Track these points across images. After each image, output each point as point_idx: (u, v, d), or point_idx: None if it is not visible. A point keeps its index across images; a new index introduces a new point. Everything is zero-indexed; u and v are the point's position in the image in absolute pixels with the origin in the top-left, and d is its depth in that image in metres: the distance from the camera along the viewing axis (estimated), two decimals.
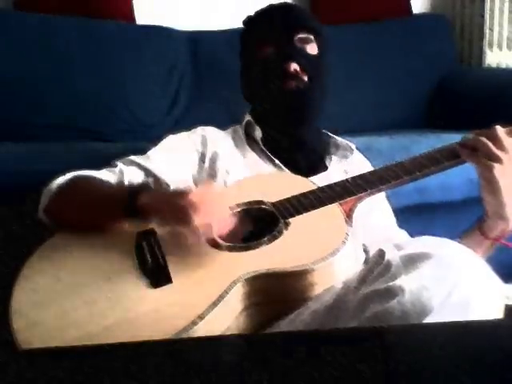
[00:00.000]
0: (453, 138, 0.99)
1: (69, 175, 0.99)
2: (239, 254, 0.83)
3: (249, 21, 1.19)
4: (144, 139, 1.37)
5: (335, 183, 0.95)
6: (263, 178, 1.06)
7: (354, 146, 1.19)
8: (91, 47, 1.88)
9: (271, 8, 1.16)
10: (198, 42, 2.08)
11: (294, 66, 1.08)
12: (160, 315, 0.75)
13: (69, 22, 1.89)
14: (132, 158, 1.06)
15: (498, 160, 0.90)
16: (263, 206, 0.93)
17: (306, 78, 1.10)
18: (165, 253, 0.84)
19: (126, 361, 0.55)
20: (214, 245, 0.85)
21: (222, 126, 1.21)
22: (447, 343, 0.56)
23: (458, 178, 1.48)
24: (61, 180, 0.98)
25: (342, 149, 1.19)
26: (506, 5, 2.38)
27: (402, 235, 1.13)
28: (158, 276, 0.80)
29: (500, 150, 0.90)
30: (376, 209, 1.11)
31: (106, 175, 1.01)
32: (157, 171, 1.04)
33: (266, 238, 0.85)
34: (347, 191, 0.93)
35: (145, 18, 2.10)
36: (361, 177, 0.96)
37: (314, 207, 0.90)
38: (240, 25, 1.21)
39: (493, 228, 0.97)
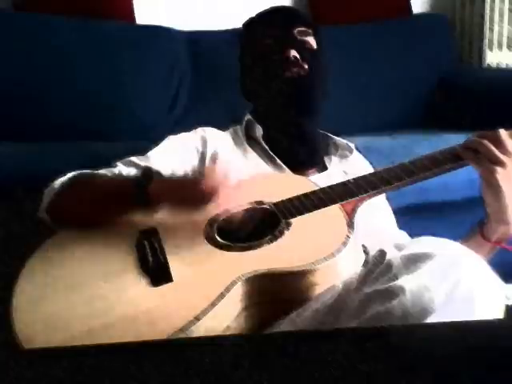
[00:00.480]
0: (453, 138, 0.99)
1: (70, 174, 1.00)
2: (240, 253, 0.83)
3: (250, 23, 1.21)
4: (144, 139, 1.37)
5: (337, 184, 0.95)
6: (264, 178, 1.06)
7: (353, 146, 1.19)
8: (91, 47, 1.88)
9: (271, 9, 1.19)
10: (198, 42, 2.08)
11: (294, 53, 1.09)
12: (160, 313, 0.75)
13: (69, 22, 1.89)
14: (132, 158, 1.06)
15: (501, 164, 0.89)
16: (264, 206, 0.93)
17: (306, 66, 1.11)
18: (166, 252, 0.85)
19: (126, 361, 0.55)
20: (215, 244, 0.85)
21: (222, 125, 1.21)
22: (447, 343, 0.56)
23: (459, 178, 1.47)
24: (63, 179, 0.99)
25: (342, 149, 1.19)
26: (506, 5, 2.38)
27: (403, 237, 1.13)
28: (158, 274, 0.80)
29: (503, 154, 0.90)
30: (377, 210, 1.11)
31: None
32: None
33: (267, 238, 0.85)
34: (349, 192, 0.92)
35: (145, 18, 2.10)
36: (362, 178, 0.96)
37: (316, 208, 0.90)
38: (240, 25, 1.22)
39: (494, 231, 0.97)
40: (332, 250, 0.80)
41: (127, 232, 0.90)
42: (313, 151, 1.14)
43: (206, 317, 0.73)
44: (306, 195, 0.93)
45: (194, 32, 2.10)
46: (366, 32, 2.23)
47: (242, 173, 1.06)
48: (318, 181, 1.00)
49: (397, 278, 0.69)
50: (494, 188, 0.90)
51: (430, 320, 0.65)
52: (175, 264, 0.82)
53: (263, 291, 0.79)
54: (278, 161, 1.11)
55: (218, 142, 1.14)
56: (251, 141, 1.17)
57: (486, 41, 2.40)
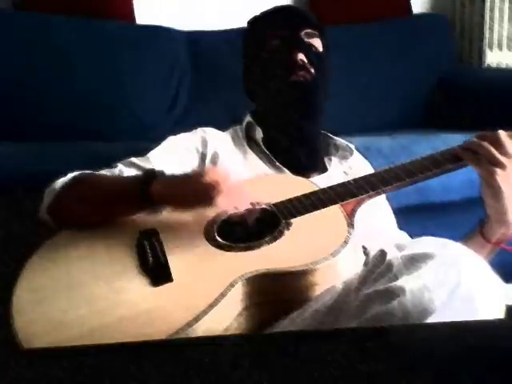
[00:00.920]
0: (453, 138, 0.99)
1: (71, 175, 1.00)
2: (240, 253, 0.83)
3: (255, 20, 1.20)
4: (144, 139, 1.37)
5: (337, 184, 0.95)
6: (264, 179, 1.06)
7: (353, 147, 1.19)
8: (91, 47, 1.88)
9: (277, 8, 1.18)
10: (198, 42, 2.07)
11: (301, 57, 1.09)
12: (160, 313, 0.75)
13: (69, 21, 1.89)
14: (132, 159, 1.06)
15: (501, 166, 0.89)
16: (264, 207, 0.93)
17: (312, 70, 1.10)
18: (166, 252, 0.85)
19: (126, 361, 0.55)
20: (216, 244, 0.85)
21: (222, 125, 1.21)
22: (447, 343, 0.56)
23: (458, 179, 1.48)
24: (64, 179, 0.99)
25: (342, 150, 1.19)
26: (506, 5, 2.38)
27: (403, 237, 1.13)
28: (158, 274, 0.80)
29: (503, 155, 0.90)
30: (377, 210, 1.11)
31: None
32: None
33: (267, 238, 0.85)
34: (349, 193, 0.92)
35: (145, 18, 2.10)
36: (363, 178, 0.96)
37: (316, 208, 0.90)
38: (240, 25, 1.22)
39: (494, 232, 0.97)
40: (332, 251, 0.80)
41: (127, 232, 0.90)
42: (314, 154, 1.14)
43: (206, 317, 0.73)
44: (306, 196, 0.93)
45: (194, 32, 2.10)
46: (366, 32, 2.23)
47: (242, 174, 1.06)
48: (318, 182, 1.00)
49: (397, 279, 0.69)
50: (494, 189, 0.91)
51: (431, 320, 0.64)
52: (175, 264, 0.82)
53: (263, 291, 0.79)
54: (278, 163, 1.11)
55: (218, 142, 1.14)
56: (251, 142, 1.17)
57: (486, 41, 2.40)
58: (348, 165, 1.17)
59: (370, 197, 0.94)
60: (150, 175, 0.90)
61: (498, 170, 0.89)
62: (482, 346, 0.55)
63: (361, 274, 0.76)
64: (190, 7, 2.20)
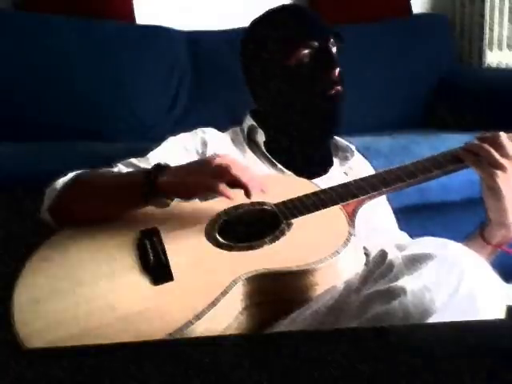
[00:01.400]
0: (453, 138, 0.99)
1: (72, 174, 0.99)
2: (241, 253, 0.83)
3: (264, 21, 1.12)
4: (144, 139, 1.37)
5: (338, 185, 0.95)
6: (265, 180, 1.06)
7: (354, 148, 1.19)
8: (91, 47, 1.88)
9: (288, 9, 1.13)
10: (198, 41, 2.07)
11: (337, 72, 1.07)
12: (160, 312, 0.75)
13: (69, 22, 1.89)
14: (132, 160, 1.06)
15: (502, 168, 0.89)
16: (265, 207, 0.93)
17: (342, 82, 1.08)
18: (167, 251, 0.85)
19: (126, 361, 0.55)
20: (217, 244, 0.85)
21: (222, 126, 1.21)
22: (447, 343, 0.56)
23: (458, 179, 1.47)
24: (65, 179, 0.98)
25: (343, 150, 1.19)
26: (506, 5, 2.38)
27: (403, 237, 1.13)
28: (158, 273, 0.81)
29: (503, 157, 0.90)
30: (378, 211, 1.11)
31: None
32: None
33: (268, 238, 0.85)
34: (350, 193, 0.92)
35: (145, 18, 2.10)
36: (364, 179, 0.96)
37: (317, 208, 0.90)
38: (240, 25, 1.20)
39: (495, 234, 0.97)
40: (332, 251, 0.80)
41: (128, 231, 0.90)
42: (316, 163, 1.14)
43: (207, 316, 0.73)
44: (306, 196, 0.93)
45: (194, 32, 2.09)
46: (366, 32, 2.23)
47: None
48: (318, 183, 1.00)
49: (398, 279, 0.69)
50: (495, 191, 0.91)
51: (431, 320, 0.64)
52: (176, 263, 0.82)
53: (264, 291, 0.79)
54: (280, 165, 1.10)
55: (218, 143, 1.14)
56: (251, 143, 1.16)
57: (486, 41, 2.40)
58: (348, 165, 1.17)
59: (371, 198, 0.94)
60: (159, 167, 0.88)
61: (499, 172, 0.89)
62: (483, 346, 0.55)
63: (361, 274, 0.76)
64: (190, 7, 2.20)
